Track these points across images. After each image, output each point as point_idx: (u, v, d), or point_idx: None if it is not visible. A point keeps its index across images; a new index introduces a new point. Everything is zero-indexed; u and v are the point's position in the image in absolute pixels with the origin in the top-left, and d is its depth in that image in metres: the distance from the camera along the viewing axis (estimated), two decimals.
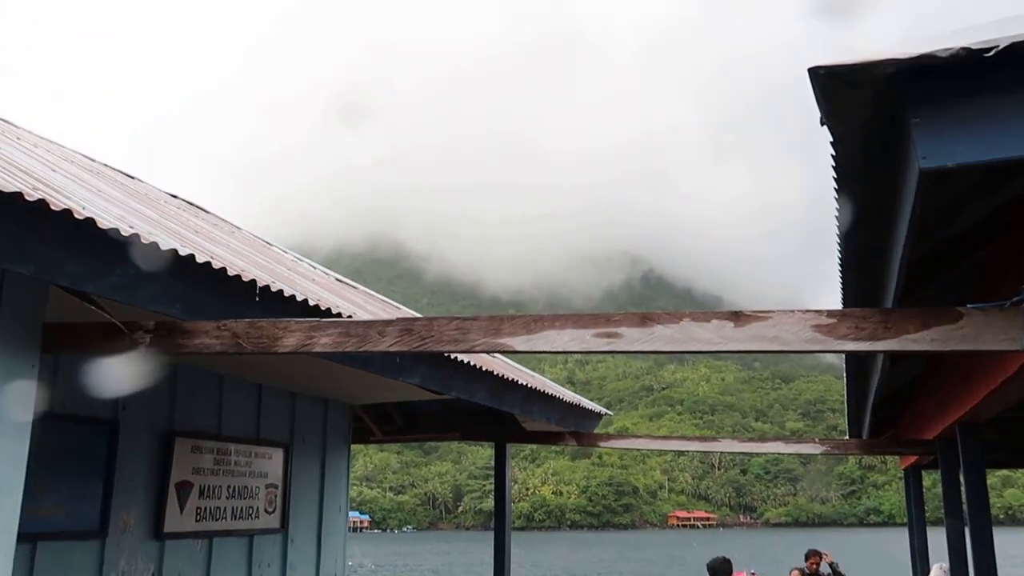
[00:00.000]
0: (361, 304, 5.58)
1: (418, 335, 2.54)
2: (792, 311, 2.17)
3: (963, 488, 5.63)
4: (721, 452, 6.18)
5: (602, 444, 6.53)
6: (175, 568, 5.32)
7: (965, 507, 5.59)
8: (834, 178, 2.06)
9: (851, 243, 2.41)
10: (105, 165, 5.85)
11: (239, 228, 6.90)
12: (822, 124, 1.83)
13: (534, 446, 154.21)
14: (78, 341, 3.09)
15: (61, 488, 4.62)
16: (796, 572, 8.51)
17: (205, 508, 5.79)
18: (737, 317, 2.18)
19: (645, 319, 2.21)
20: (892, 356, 3.89)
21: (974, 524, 4.72)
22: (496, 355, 6.84)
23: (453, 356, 4.90)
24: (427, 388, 4.85)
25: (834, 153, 1.96)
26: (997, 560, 4.80)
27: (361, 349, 2.63)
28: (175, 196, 6.47)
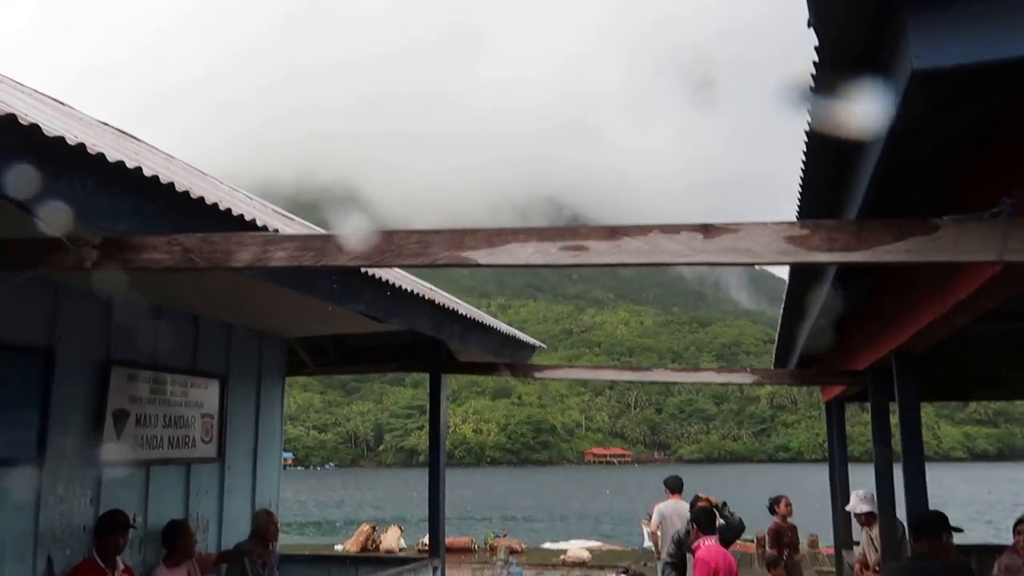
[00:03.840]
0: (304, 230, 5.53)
1: (378, 249, 2.58)
2: (764, 223, 2.22)
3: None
4: (653, 382, 6.44)
5: (537, 375, 6.70)
6: (113, 495, 5.28)
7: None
8: (811, 87, 2.07)
9: (818, 152, 2.41)
10: (35, 91, 5.56)
11: (173, 157, 6.68)
12: (809, 26, 1.85)
13: (456, 387, 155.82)
14: (19, 258, 3.00)
15: None
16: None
17: (142, 437, 5.74)
18: (707, 229, 2.22)
19: (613, 232, 2.27)
20: (841, 282, 4.08)
21: (907, 448, 5.00)
22: (434, 288, 6.90)
23: (396, 284, 4.95)
24: (370, 315, 4.88)
25: (817, 60, 1.97)
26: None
27: (319, 263, 2.65)
28: (106, 124, 6.21)
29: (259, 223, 3.42)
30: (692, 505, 7.59)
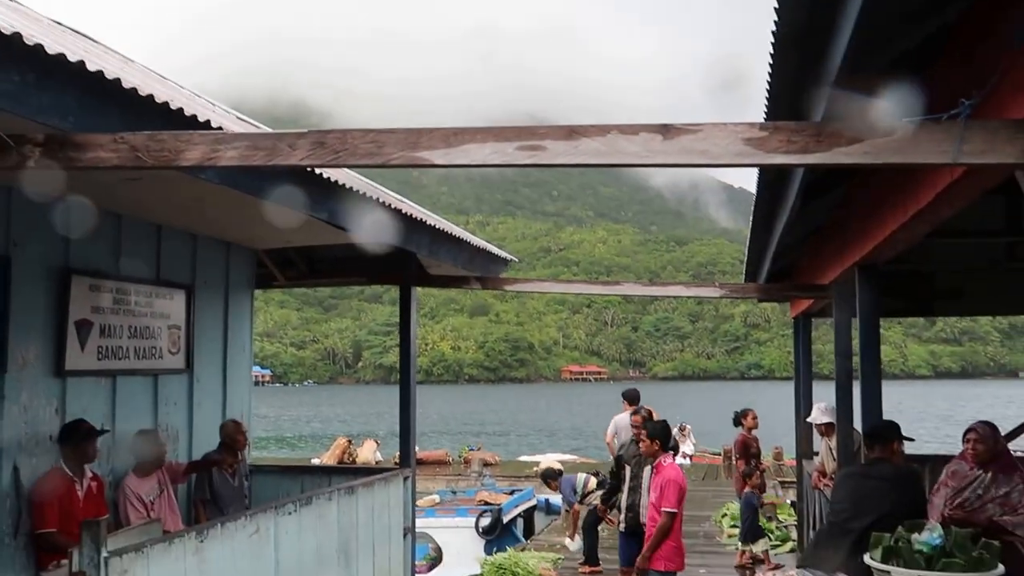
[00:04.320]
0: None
1: (331, 148, 2.49)
2: (724, 124, 2.17)
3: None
4: (623, 295, 6.41)
5: (508, 288, 6.68)
6: (79, 405, 5.27)
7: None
8: None
9: (784, 58, 2.34)
10: None
11: (132, 60, 6.41)
12: None
13: (434, 304, 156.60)
14: None
15: None
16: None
17: (107, 347, 5.69)
18: (666, 130, 2.17)
19: (571, 132, 2.20)
20: (807, 193, 4.05)
21: (865, 358, 5.08)
22: (405, 200, 6.79)
23: (363, 192, 4.85)
24: (335, 224, 4.81)
25: None
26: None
27: (271, 163, 2.57)
28: (59, 23, 5.91)
29: (213, 124, 3.30)
30: (633, 414, 7.27)
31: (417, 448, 21.85)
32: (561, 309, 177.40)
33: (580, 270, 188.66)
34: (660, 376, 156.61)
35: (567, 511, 10.70)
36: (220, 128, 3.30)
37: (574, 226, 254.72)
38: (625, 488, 6.78)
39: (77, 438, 4.92)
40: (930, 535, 3.30)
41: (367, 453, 19.41)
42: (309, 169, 3.97)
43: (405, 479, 6.99)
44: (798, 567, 4.51)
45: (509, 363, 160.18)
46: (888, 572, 3.30)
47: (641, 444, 6.11)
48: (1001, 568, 3.28)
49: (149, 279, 6.24)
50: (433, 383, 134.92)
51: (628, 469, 6.76)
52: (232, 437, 6.38)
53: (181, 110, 3.25)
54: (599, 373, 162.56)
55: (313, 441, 39.48)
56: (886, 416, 5.16)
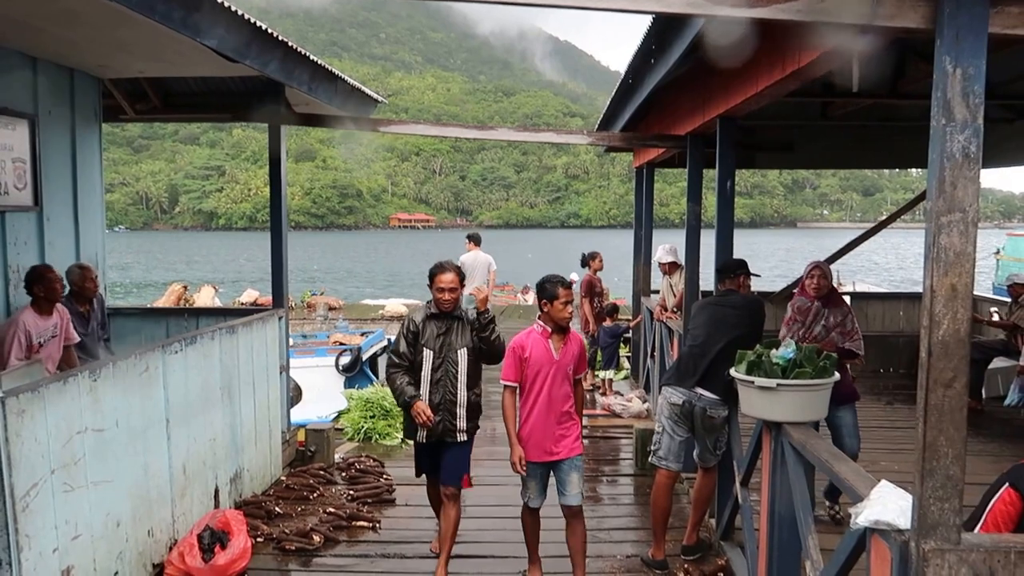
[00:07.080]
0: None
1: None
2: None
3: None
4: (496, 140, 6.59)
5: (382, 129, 6.62)
6: None
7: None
8: None
9: None
10: None
11: None
12: None
13: (256, 148, 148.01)
14: None
15: None
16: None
17: None
18: None
19: None
20: (694, 45, 4.30)
21: (721, 205, 5.58)
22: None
23: (254, 21, 4.62)
24: (222, 53, 4.56)
25: None
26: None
27: None
28: None
29: None
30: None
31: (259, 293, 21.37)
32: (390, 156, 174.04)
33: (408, 117, 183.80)
34: (486, 224, 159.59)
35: None
36: None
37: (403, 71, 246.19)
38: (428, 378, 4.67)
39: None
40: (786, 350, 3.93)
41: (205, 299, 18.88)
42: None
43: (280, 319, 7.07)
44: (663, 385, 5.13)
45: (337, 210, 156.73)
46: (752, 382, 3.92)
47: (568, 308, 4.47)
48: (837, 375, 4.00)
49: None
50: (257, 230, 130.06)
51: (430, 354, 4.68)
52: (80, 284, 6.01)
53: None
54: (427, 221, 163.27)
55: (140, 288, 37.55)
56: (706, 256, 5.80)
